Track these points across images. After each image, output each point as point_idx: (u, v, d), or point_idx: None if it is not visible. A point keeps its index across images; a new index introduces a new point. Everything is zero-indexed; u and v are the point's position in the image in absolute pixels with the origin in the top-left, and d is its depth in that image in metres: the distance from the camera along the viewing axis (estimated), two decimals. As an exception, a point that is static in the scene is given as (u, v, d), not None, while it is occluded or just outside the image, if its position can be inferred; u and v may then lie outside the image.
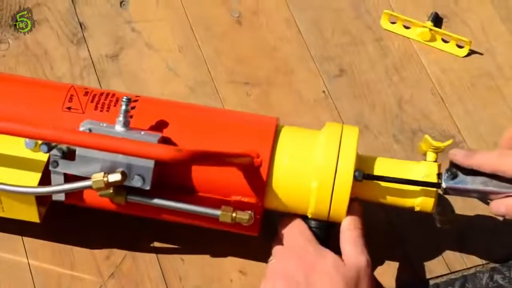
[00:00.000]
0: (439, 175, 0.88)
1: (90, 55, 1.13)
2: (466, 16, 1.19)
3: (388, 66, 1.15)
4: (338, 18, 1.18)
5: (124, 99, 0.85)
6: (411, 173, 0.89)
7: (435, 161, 0.90)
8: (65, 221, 0.98)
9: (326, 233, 0.89)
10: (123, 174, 0.83)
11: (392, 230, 1.00)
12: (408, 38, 1.17)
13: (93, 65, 1.12)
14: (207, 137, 0.89)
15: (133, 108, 0.89)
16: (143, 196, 0.86)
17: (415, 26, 1.16)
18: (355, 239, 0.87)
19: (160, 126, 0.88)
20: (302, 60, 1.14)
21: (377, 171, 0.89)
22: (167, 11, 1.18)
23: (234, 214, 0.85)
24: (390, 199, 0.90)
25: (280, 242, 0.89)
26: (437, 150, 0.90)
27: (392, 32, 1.18)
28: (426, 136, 0.89)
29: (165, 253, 0.98)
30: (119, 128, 0.85)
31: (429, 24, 1.16)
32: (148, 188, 0.84)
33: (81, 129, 0.84)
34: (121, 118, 0.85)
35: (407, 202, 0.89)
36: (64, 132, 0.78)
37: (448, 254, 1.00)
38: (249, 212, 0.86)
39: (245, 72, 1.13)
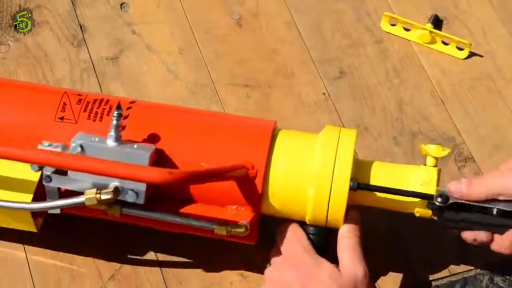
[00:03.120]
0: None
1: (91, 57, 1.13)
2: (466, 19, 1.20)
3: (388, 68, 1.15)
4: (338, 20, 1.18)
5: (115, 114, 0.84)
6: (410, 178, 0.88)
7: (435, 166, 0.89)
8: (65, 223, 0.98)
9: (324, 239, 0.89)
10: (116, 191, 0.82)
11: (392, 233, 1.00)
12: (408, 40, 1.17)
13: (94, 68, 1.12)
14: (201, 145, 0.88)
15: (126, 117, 0.88)
16: (137, 209, 0.85)
17: (415, 28, 1.16)
18: (353, 247, 0.87)
19: (153, 135, 0.87)
20: (302, 62, 1.14)
21: (375, 177, 0.88)
22: (167, 14, 1.18)
23: (229, 227, 0.85)
24: (390, 205, 0.89)
25: (278, 251, 0.89)
26: (437, 157, 0.89)
27: (392, 34, 1.18)
28: (422, 145, 0.89)
29: (165, 256, 0.98)
30: (111, 143, 0.84)
31: (429, 26, 1.16)
32: (141, 202, 0.84)
33: (73, 145, 0.84)
34: (112, 133, 0.84)
35: (407, 207, 0.89)
36: (53, 156, 0.78)
37: (449, 257, 1.00)
38: (245, 223, 0.85)
39: (245, 74, 1.13)
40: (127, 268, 0.96)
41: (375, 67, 1.15)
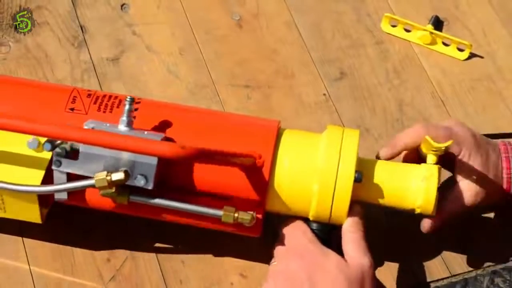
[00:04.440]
0: None
1: (91, 58, 1.13)
2: (466, 19, 1.20)
3: (389, 69, 1.15)
4: (338, 21, 1.19)
5: (127, 99, 0.85)
6: (411, 176, 0.89)
7: (436, 164, 0.90)
8: (65, 223, 0.98)
9: (327, 236, 0.89)
10: (126, 173, 0.83)
11: (392, 233, 1.00)
12: (409, 41, 1.17)
13: (94, 68, 1.12)
14: (209, 139, 0.89)
15: (136, 110, 0.89)
16: (145, 196, 0.86)
17: (415, 29, 1.17)
18: (357, 240, 0.87)
19: (162, 127, 0.88)
20: (303, 63, 1.14)
21: (377, 174, 0.89)
22: (167, 14, 1.18)
23: (236, 215, 0.85)
24: (391, 202, 0.90)
25: (282, 244, 0.89)
26: (438, 152, 0.90)
27: (393, 35, 1.18)
28: (427, 137, 0.89)
29: (166, 256, 0.98)
30: (122, 127, 0.85)
31: (430, 27, 1.16)
32: (151, 187, 0.84)
33: (85, 127, 0.85)
34: (124, 118, 0.85)
35: (408, 204, 0.90)
36: (68, 128, 0.78)
37: (449, 257, 1.00)
38: (251, 212, 0.86)
39: (245, 75, 1.13)
40: (127, 268, 0.96)
41: (375, 68, 1.15)
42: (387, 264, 0.98)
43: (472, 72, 1.15)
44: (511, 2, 1.21)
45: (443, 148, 0.89)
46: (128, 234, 0.98)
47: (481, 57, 1.16)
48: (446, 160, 0.92)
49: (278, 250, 0.89)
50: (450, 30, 1.19)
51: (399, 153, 0.93)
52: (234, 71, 1.13)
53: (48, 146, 0.84)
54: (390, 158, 0.93)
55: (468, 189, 0.92)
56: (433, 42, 1.17)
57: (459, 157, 0.92)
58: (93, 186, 0.82)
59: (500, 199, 0.95)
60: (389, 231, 1.00)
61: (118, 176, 0.82)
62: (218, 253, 0.98)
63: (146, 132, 0.86)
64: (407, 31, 1.18)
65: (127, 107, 0.85)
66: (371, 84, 1.13)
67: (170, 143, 0.79)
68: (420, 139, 0.90)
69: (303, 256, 0.86)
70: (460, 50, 1.16)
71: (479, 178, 0.92)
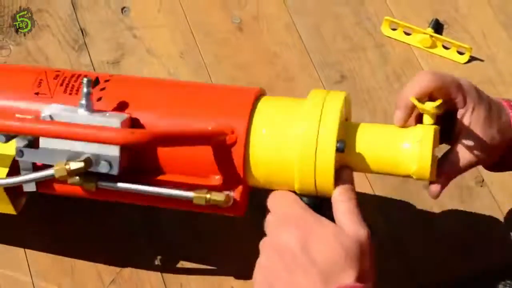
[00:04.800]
0: None
1: (92, 62, 1.13)
2: (466, 23, 1.20)
3: (389, 72, 1.15)
4: (339, 24, 1.19)
5: (84, 81, 0.81)
6: (404, 140, 0.80)
7: (433, 124, 0.80)
8: (66, 227, 0.98)
9: (319, 208, 0.81)
10: (87, 161, 0.79)
11: (391, 235, 1.00)
12: (409, 44, 1.17)
13: (95, 72, 1.12)
14: (179, 115, 0.84)
15: (103, 89, 0.86)
16: (114, 181, 0.82)
17: (416, 33, 1.17)
18: (351, 210, 0.78)
19: (129, 105, 0.84)
20: (303, 66, 1.15)
21: (365, 140, 0.81)
22: (168, 17, 1.18)
23: (208, 196, 0.80)
24: (382, 169, 0.81)
25: (272, 215, 0.81)
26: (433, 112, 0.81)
27: (393, 38, 1.18)
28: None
29: (166, 259, 0.98)
30: (82, 112, 0.81)
31: (430, 30, 1.16)
32: (115, 173, 0.80)
33: (42, 115, 0.81)
34: (83, 102, 0.81)
35: (402, 171, 0.80)
36: (10, 121, 0.76)
37: (449, 260, 1.00)
38: (226, 192, 0.81)
39: (245, 78, 1.13)
40: (128, 272, 0.96)
41: (375, 71, 1.15)
42: (386, 267, 0.98)
43: (472, 75, 1.15)
44: (511, 5, 1.22)
45: (434, 107, 0.79)
46: (129, 238, 0.98)
47: (481, 60, 1.17)
48: (446, 115, 0.83)
49: (269, 222, 0.80)
50: (450, 33, 1.19)
51: (413, 110, 0.82)
52: (234, 74, 1.13)
53: (2, 138, 0.81)
54: (408, 119, 0.82)
55: (471, 147, 0.83)
56: (433, 46, 1.17)
57: (463, 110, 0.83)
58: (52, 176, 0.79)
59: (504, 154, 0.87)
60: (388, 233, 1.00)
61: (77, 165, 0.78)
62: (218, 255, 0.98)
63: (107, 114, 0.82)
64: (407, 34, 1.18)
65: (84, 90, 0.81)
66: (371, 87, 1.13)
67: (119, 129, 0.74)
68: (428, 87, 0.81)
69: (297, 224, 0.77)
70: (460, 53, 1.16)
71: (483, 133, 0.83)
